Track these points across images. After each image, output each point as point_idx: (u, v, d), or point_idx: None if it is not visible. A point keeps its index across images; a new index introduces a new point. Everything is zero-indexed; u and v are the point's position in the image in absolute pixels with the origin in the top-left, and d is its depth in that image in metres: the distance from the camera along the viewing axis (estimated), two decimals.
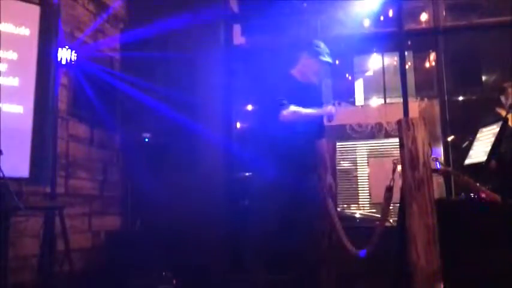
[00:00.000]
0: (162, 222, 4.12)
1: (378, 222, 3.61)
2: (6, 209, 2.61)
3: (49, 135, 3.37)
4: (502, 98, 3.31)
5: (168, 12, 4.39)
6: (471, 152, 3.16)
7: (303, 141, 3.02)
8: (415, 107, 7.48)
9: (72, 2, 4.13)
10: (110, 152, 4.61)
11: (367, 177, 7.64)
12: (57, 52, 3.58)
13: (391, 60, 8.28)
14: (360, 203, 7.79)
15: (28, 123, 3.19)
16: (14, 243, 3.14)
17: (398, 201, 2.83)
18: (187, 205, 4.17)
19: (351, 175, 7.97)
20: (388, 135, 7.52)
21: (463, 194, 3.41)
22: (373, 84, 8.59)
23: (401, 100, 2.99)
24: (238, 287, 3.67)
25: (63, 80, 3.96)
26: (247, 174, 4.79)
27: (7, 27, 3.14)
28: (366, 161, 7.89)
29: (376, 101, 8.61)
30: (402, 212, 2.66)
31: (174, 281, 3.83)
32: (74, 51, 3.82)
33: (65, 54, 3.74)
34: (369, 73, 8.62)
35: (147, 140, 4.42)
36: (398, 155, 2.65)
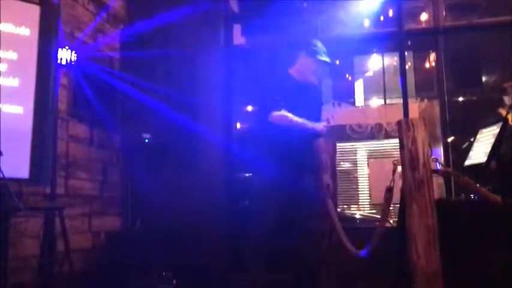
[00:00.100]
0: (162, 222, 4.12)
1: (378, 223, 3.61)
2: (6, 210, 2.62)
3: (49, 135, 3.37)
4: (506, 99, 3.29)
5: (168, 12, 4.39)
6: (471, 153, 3.16)
7: (300, 141, 3.02)
8: (415, 107, 7.50)
9: (72, 2, 4.13)
10: (109, 152, 4.60)
11: (367, 178, 7.65)
12: (57, 52, 3.58)
13: (391, 60, 8.30)
14: (360, 203, 7.80)
15: (28, 124, 3.19)
16: (14, 243, 3.14)
17: (398, 202, 2.84)
18: (187, 205, 4.17)
19: (351, 176, 7.97)
20: (388, 136, 7.53)
21: (463, 194, 3.42)
22: (373, 85, 8.60)
23: (401, 101, 3.00)
24: (238, 286, 3.67)
25: (63, 80, 3.96)
26: (247, 174, 4.80)
27: (7, 27, 3.14)
28: (366, 162, 7.90)
29: (376, 102, 8.63)
30: (402, 213, 2.66)
31: (174, 281, 3.83)
32: (73, 52, 3.82)
33: (65, 55, 3.74)
34: (369, 73, 8.63)
35: (147, 140, 4.42)
36: (398, 155, 2.65)
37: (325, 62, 3.19)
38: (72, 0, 4.13)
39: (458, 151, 4.13)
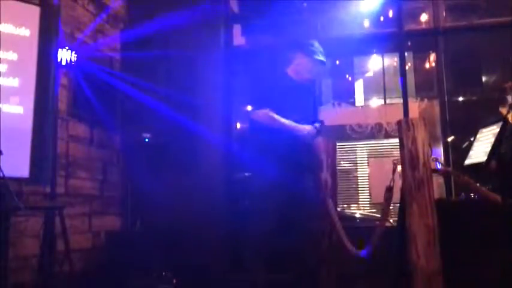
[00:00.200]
0: (162, 222, 4.12)
1: (378, 222, 3.61)
2: (6, 209, 2.61)
3: (49, 135, 3.37)
4: (509, 98, 3.27)
5: (168, 12, 4.39)
6: (471, 153, 3.16)
7: (299, 140, 3.02)
8: (415, 107, 7.51)
9: (72, 3, 4.13)
10: (109, 152, 4.61)
11: (367, 178, 7.66)
12: (57, 53, 3.58)
13: (391, 60, 8.31)
14: (360, 203, 7.81)
15: (28, 124, 3.19)
16: (14, 243, 3.14)
17: (398, 202, 2.84)
18: (187, 205, 4.17)
19: (351, 175, 7.99)
20: (388, 136, 7.55)
21: (463, 194, 3.42)
22: (373, 85, 8.62)
23: (401, 101, 3.00)
24: (238, 286, 3.67)
25: (63, 80, 3.96)
26: (247, 174, 4.79)
27: (7, 28, 3.13)
28: (366, 161, 7.92)
29: (376, 102, 8.64)
30: (402, 212, 2.66)
31: (174, 281, 3.83)
32: (73, 52, 3.82)
33: (65, 55, 3.74)
34: (369, 74, 8.64)
35: (147, 140, 4.42)
36: (398, 155, 2.65)
37: (321, 61, 3.20)
38: (72, 1, 4.13)
39: (458, 151, 4.14)
